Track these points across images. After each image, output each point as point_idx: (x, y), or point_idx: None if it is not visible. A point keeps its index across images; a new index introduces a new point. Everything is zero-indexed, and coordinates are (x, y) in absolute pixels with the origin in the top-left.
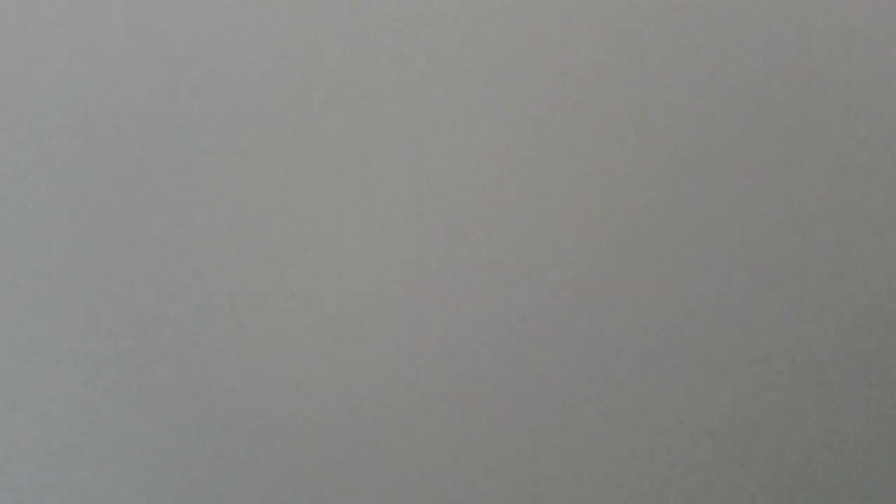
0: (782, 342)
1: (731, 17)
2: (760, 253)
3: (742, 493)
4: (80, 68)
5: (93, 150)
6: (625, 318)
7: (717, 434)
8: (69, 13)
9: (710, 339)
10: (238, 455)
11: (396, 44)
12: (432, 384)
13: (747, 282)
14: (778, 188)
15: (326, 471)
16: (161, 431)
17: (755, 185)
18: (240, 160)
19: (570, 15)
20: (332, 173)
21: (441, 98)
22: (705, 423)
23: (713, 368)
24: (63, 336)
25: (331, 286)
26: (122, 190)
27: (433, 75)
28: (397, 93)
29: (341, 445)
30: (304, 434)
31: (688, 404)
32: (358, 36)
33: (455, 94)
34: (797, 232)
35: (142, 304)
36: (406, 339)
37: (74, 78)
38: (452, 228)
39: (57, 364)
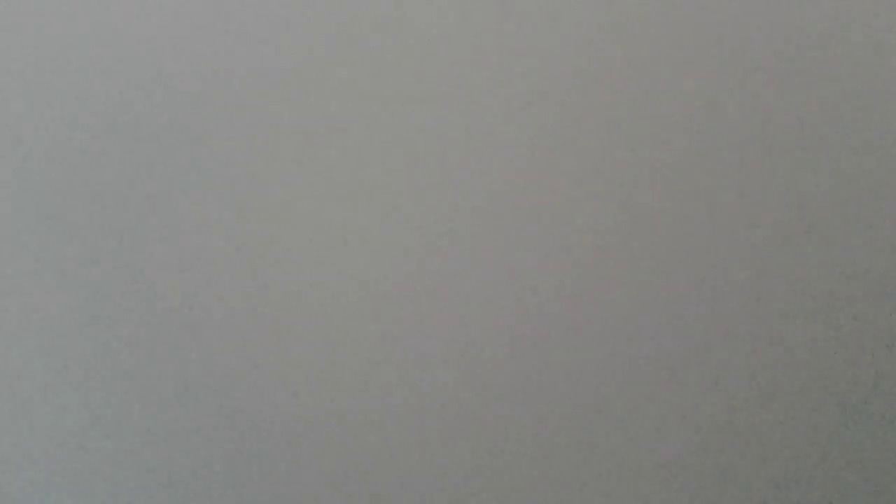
0: (783, 342)
1: (731, 17)
2: (761, 253)
3: (742, 493)
4: (79, 67)
5: (93, 149)
6: (625, 318)
7: (716, 435)
8: (69, 12)
9: (710, 339)
10: (239, 455)
11: (397, 43)
12: (432, 384)
13: (747, 282)
14: (778, 188)
15: (326, 471)
16: (161, 431)
17: (755, 186)
18: (240, 159)
19: (570, 15)
20: (333, 172)
21: (441, 98)
22: (705, 423)
23: (713, 368)
24: (63, 335)
25: (332, 285)
26: (123, 189)
27: (433, 75)
28: (397, 92)
29: (341, 445)
30: (303, 434)
31: (688, 404)
32: (358, 35)
33: (455, 93)
34: (797, 231)
35: (143, 303)
36: (406, 340)
37: (75, 77)
38: (452, 228)
39: (57, 363)
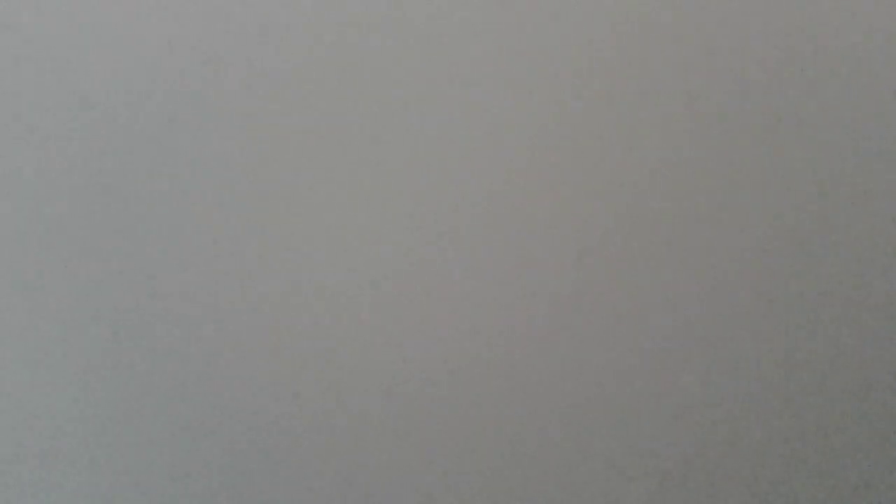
0: (782, 342)
1: (731, 17)
2: (761, 253)
3: (742, 493)
4: (79, 67)
5: (93, 147)
6: (625, 318)
7: (717, 435)
8: (69, 11)
9: (710, 340)
10: (239, 455)
11: (397, 43)
12: (433, 384)
13: (747, 283)
14: (779, 188)
15: (326, 471)
16: (160, 430)
17: (755, 186)
18: (241, 159)
19: (570, 15)
20: (333, 172)
21: (441, 98)
22: (705, 423)
23: (714, 368)
24: (63, 335)
25: (332, 285)
26: (122, 188)
27: (433, 75)
28: (397, 93)
29: (341, 445)
30: (303, 433)
31: (688, 404)
32: (358, 35)
33: (455, 93)
34: (796, 232)
35: (142, 302)
36: (406, 339)
37: (74, 76)
38: (453, 228)
39: (57, 363)
